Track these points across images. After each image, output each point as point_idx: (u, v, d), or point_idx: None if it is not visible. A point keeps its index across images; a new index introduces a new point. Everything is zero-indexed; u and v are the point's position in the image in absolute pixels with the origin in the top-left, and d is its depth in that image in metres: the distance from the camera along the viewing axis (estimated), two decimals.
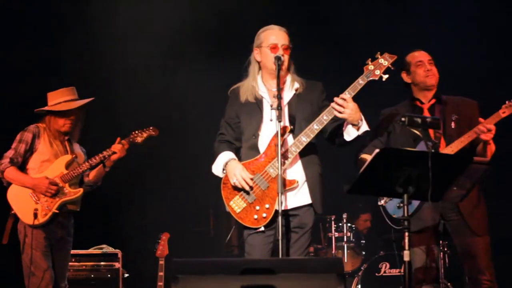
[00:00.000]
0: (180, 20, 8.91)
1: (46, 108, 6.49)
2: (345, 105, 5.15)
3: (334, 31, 9.18)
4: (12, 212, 6.36)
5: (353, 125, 5.25)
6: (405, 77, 5.87)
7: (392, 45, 5.49)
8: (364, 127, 5.30)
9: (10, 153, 6.38)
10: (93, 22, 8.91)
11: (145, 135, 6.61)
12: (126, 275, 7.98)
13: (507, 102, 5.47)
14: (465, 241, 5.56)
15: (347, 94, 5.19)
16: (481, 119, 5.47)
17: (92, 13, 8.91)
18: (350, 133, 5.30)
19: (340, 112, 5.16)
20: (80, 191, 6.45)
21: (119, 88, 9.05)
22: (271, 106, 5.27)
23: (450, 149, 5.47)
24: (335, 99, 5.19)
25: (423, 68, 5.77)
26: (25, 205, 6.31)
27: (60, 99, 6.48)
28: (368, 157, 5.42)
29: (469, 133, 5.46)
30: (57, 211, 6.31)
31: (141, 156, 6.67)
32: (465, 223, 5.49)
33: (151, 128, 6.65)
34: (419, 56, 5.84)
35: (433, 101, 5.78)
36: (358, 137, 5.30)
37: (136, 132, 6.61)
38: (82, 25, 8.98)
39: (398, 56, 5.45)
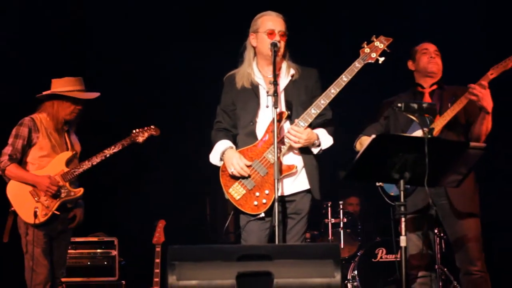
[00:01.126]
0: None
1: (61, 92, 6.36)
2: (298, 136, 5.25)
3: (328, 16, 9.16)
4: (12, 209, 6.29)
5: (313, 146, 5.38)
6: (410, 64, 5.93)
7: (388, 31, 5.50)
8: (326, 143, 5.42)
9: (8, 150, 6.28)
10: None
11: (146, 134, 6.58)
12: (123, 262, 7.99)
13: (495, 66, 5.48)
14: (454, 228, 5.56)
15: (344, 79, 5.25)
16: (470, 85, 5.45)
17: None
18: (313, 151, 5.43)
19: (295, 142, 5.27)
20: (80, 190, 6.38)
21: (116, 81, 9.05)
22: (267, 92, 5.28)
23: (443, 119, 5.48)
24: (289, 129, 5.29)
25: (427, 55, 5.82)
26: (26, 203, 6.24)
27: (71, 87, 6.38)
28: (366, 140, 5.48)
29: (461, 99, 5.47)
30: (57, 212, 6.26)
31: (137, 143, 6.63)
32: (452, 207, 5.49)
33: (152, 127, 6.62)
34: (426, 45, 5.90)
35: (434, 87, 5.80)
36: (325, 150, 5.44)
37: (137, 131, 6.57)
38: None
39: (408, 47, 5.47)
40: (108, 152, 6.42)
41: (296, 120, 5.28)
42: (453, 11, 8.62)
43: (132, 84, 9.14)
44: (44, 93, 6.43)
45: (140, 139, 6.56)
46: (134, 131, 6.57)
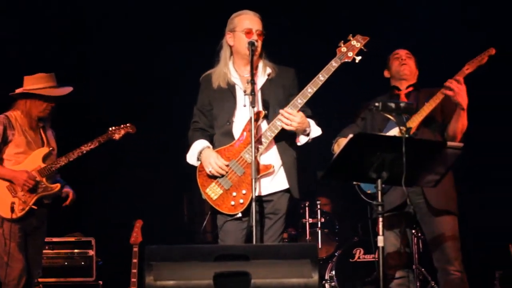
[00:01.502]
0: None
1: (32, 91, 6.34)
2: (291, 118, 5.20)
3: (309, 15, 9.17)
4: None
5: (303, 133, 5.33)
6: (386, 73, 6.02)
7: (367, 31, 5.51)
8: (315, 132, 5.39)
9: None
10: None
11: (122, 132, 6.58)
12: (100, 262, 7.96)
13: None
14: (431, 227, 5.56)
15: (321, 78, 5.22)
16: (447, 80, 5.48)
17: None
18: (300, 140, 5.40)
19: (287, 125, 5.22)
20: (57, 186, 6.40)
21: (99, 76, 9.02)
22: (244, 91, 5.25)
23: (419, 116, 5.50)
24: (281, 112, 5.23)
25: (398, 60, 5.90)
26: (2, 198, 6.23)
27: (43, 84, 6.36)
28: (343, 141, 5.47)
29: (437, 94, 5.50)
30: (34, 207, 6.25)
31: (114, 143, 6.61)
32: (429, 206, 5.50)
33: (128, 125, 6.62)
34: (397, 51, 5.98)
35: (410, 89, 5.83)
36: (312, 139, 5.40)
37: (113, 128, 6.56)
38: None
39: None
40: (85, 148, 6.42)
41: (273, 121, 5.27)
42: (452, 11, 8.67)
43: (131, 84, 9.14)
44: (16, 91, 6.41)
45: (117, 136, 6.56)
46: (110, 128, 6.57)
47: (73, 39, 8.97)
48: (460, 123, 5.50)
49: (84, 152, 6.41)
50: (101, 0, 8.88)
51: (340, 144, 5.73)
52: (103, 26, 8.94)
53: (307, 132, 5.34)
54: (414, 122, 5.47)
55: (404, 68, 5.84)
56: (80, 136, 6.68)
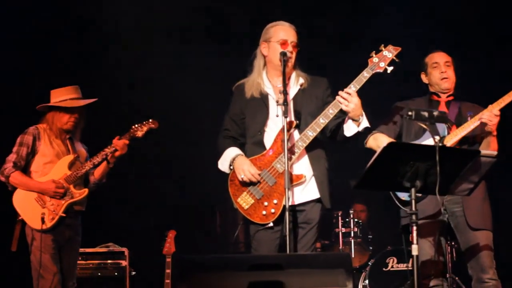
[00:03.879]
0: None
1: (53, 104, 6.40)
2: (349, 99, 5.15)
3: (336, 26, 9.16)
4: (20, 218, 6.30)
5: (354, 120, 5.26)
6: (423, 77, 5.90)
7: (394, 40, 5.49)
8: (365, 123, 5.31)
9: (12, 157, 6.31)
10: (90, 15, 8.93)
11: (145, 128, 6.51)
12: (133, 273, 7.97)
13: None
14: (466, 237, 5.54)
15: (352, 88, 5.19)
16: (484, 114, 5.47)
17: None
18: (350, 129, 5.32)
19: (344, 105, 5.17)
20: (85, 191, 6.41)
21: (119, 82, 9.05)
22: (277, 102, 5.27)
23: (462, 129, 5.48)
24: (340, 92, 5.18)
25: (438, 70, 5.77)
26: (32, 210, 6.26)
27: (65, 96, 6.41)
28: (380, 136, 5.53)
29: (473, 119, 5.47)
30: (63, 215, 6.27)
31: (147, 153, 6.63)
32: (466, 217, 5.48)
33: (150, 120, 6.53)
34: (436, 58, 5.83)
35: (451, 98, 5.78)
36: (358, 133, 5.32)
37: (136, 126, 6.52)
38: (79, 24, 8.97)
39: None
40: (109, 150, 6.39)
41: (305, 131, 5.26)
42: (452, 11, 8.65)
43: (132, 86, 9.18)
44: (39, 107, 6.47)
45: (140, 133, 6.48)
46: (133, 126, 6.50)
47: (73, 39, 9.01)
48: (491, 148, 5.48)
49: (109, 154, 6.39)
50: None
51: (376, 138, 5.65)
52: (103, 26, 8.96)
53: (360, 120, 5.27)
54: (456, 135, 5.47)
55: (445, 81, 5.73)
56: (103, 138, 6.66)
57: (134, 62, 8.98)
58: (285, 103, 5.11)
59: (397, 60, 5.31)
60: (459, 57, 5.88)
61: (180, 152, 9.28)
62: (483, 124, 5.44)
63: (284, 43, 5.40)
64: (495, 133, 5.46)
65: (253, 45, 5.64)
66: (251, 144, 5.49)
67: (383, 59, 5.31)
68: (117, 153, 6.40)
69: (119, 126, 6.68)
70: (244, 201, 5.36)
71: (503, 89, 5.49)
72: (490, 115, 5.39)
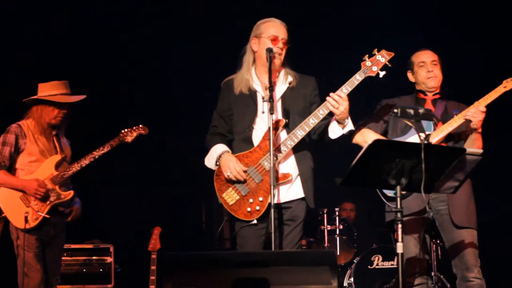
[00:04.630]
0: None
1: (43, 97, 6.31)
2: (340, 102, 5.16)
3: (327, 27, 9.16)
4: (3, 215, 6.25)
5: (339, 123, 5.27)
6: (410, 76, 5.89)
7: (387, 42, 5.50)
8: (349, 126, 5.32)
9: None
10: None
11: (134, 134, 6.49)
12: (119, 269, 7.96)
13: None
14: (451, 235, 5.54)
15: (344, 91, 5.19)
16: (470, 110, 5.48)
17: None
18: (335, 131, 5.32)
19: (334, 107, 5.17)
20: (71, 193, 6.34)
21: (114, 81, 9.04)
22: (263, 98, 5.26)
23: (448, 125, 5.49)
24: (331, 94, 5.18)
25: (425, 69, 5.77)
26: (16, 208, 6.20)
27: (55, 91, 6.32)
28: (367, 132, 5.58)
29: (459, 115, 5.47)
30: (47, 216, 6.21)
31: (132, 150, 6.60)
32: (450, 216, 5.49)
33: (140, 126, 6.53)
34: (422, 56, 5.83)
35: (437, 96, 5.78)
36: (343, 135, 5.32)
37: (125, 130, 6.49)
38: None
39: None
40: (97, 153, 6.35)
41: (294, 130, 5.27)
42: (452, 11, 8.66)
43: (128, 85, 9.16)
44: (29, 99, 6.39)
45: (129, 138, 6.47)
46: (122, 131, 6.48)
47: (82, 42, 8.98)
48: (476, 146, 5.48)
49: (97, 157, 6.34)
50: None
51: (363, 134, 5.65)
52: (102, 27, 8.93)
53: (345, 123, 5.28)
54: (442, 132, 5.48)
55: (431, 80, 5.73)
56: (92, 140, 6.63)
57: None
58: (271, 99, 5.11)
59: (389, 65, 5.31)
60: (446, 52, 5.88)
61: (166, 148, 9.27)
62: (468, 121, 5.45)
63: (274, 39, 5.39)
64: (480, 130, 5.46)
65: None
66: (239, 141, 5.49)
67: (376, 63, 5.31)
68: (71, 217, 6.44)
69: (108, 126, 6.69)
70: (229, 196, 5.35)
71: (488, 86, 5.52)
72: (476, 111, 5.40)
